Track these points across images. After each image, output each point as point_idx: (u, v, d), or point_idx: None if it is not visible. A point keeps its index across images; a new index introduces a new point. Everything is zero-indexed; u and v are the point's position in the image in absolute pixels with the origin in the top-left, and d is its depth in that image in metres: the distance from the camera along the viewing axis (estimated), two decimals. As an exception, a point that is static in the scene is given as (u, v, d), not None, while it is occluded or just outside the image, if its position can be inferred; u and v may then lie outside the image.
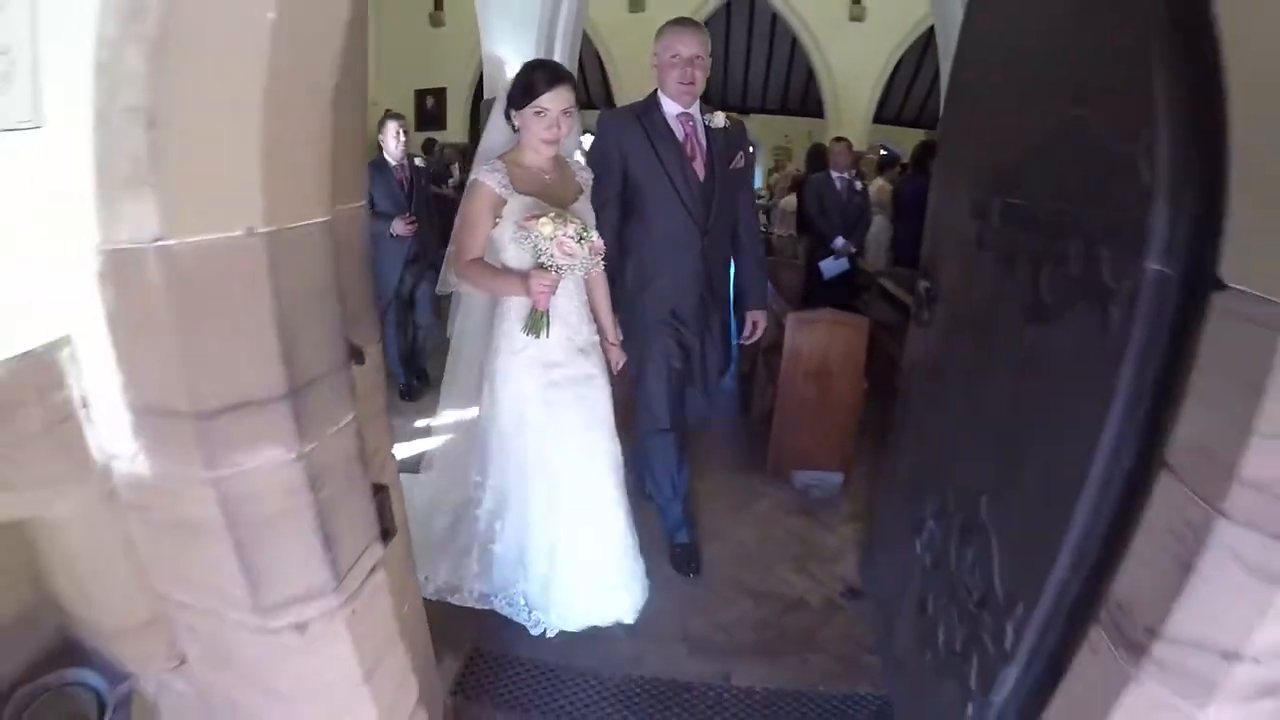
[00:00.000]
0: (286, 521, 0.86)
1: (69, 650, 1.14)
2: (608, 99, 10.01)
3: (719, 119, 2.22)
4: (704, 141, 2.19)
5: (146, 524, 0.92)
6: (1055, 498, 1.16)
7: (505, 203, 1.79)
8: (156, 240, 0.71)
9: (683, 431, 2.43)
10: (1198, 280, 0.92)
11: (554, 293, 1.79)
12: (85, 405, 0.88)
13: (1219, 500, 0.86)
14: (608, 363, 2.10)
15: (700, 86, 2.14)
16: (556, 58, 4.45)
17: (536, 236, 1.65)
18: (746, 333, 2.47)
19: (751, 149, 2.53)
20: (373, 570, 1.00)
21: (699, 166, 2.18)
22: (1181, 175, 0.94)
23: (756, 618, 2.23)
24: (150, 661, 1.09)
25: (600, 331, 2.09)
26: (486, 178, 1.79)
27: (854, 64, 10.22)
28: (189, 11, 0.65)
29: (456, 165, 6.79)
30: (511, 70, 4.56)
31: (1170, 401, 0.96)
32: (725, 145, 2.22)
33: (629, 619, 2.12)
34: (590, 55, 9.63)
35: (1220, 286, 0.89)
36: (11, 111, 0.78)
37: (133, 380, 0.79)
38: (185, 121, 0.69)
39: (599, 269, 1.87)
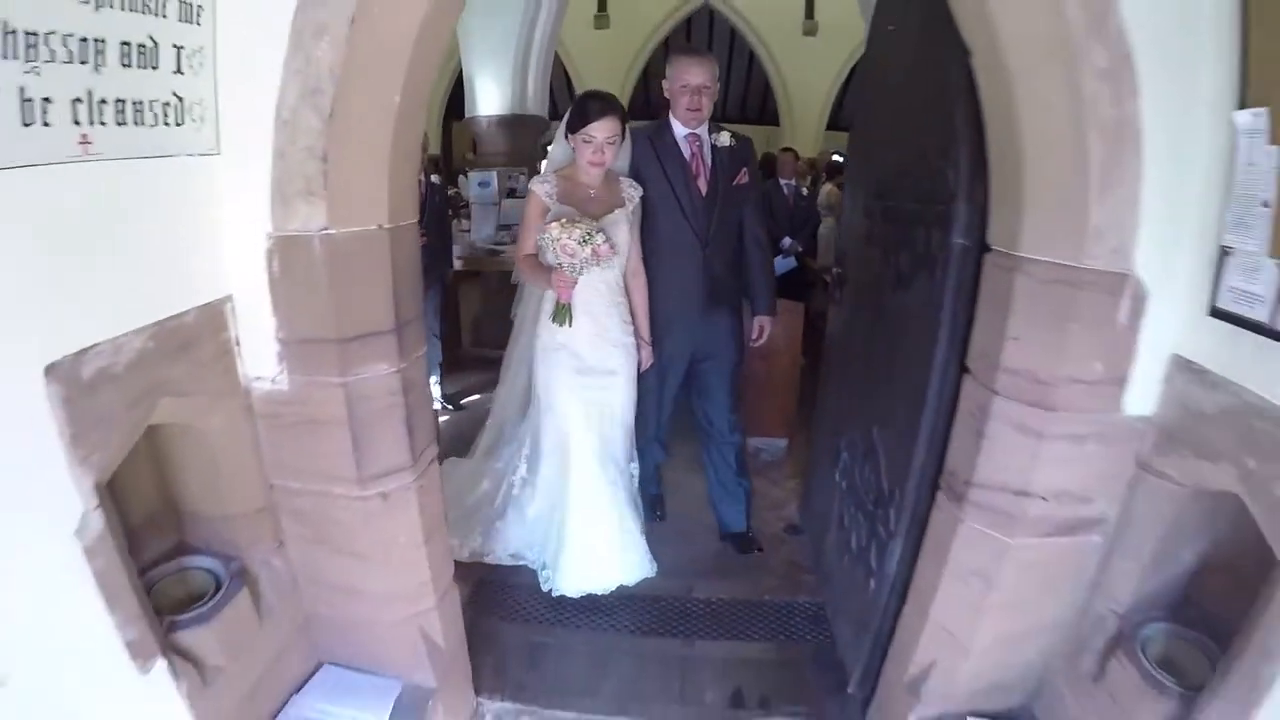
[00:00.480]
0: (386, 416, 1.29)
1: (187, 541, 1.53)
2: (574, 110, 10.45)
3: (724, 138, 2.36)
4: (709, 160, 2.35)
5: (275, 428, 1.33)
6: (913, 411, 1.65)
7: (548, 210, 2.09)
8: (323, 230, 1.14)
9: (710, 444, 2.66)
10: (981, 247, 1.43)
11: (573, 288, 2.02)
12: (238, 344, 1.29)
13: (992, 384, 1.35)
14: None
15: (707, 112, 2.30)
16: (531, 77, 4.87)
17: (545, 238, 1.97)
18: (754, 335, 2.60)
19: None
20: (430, 461, 1.43)
21: (703, 183, 2.34)
22: (970, 184, 1.45)
23: (716, 549, 2.69)
24: (257, 544, 1.49)
25: (637, 331, 2.30)
26: (537, 188, 2.12)
27: (807, 76, 10.87)
28: (348, 93, 1.09)
29: (421, 175, 7.09)
30: (487, 89, 4.98)
31: (970, 327, 1.46)
32: (729, 162, 2.37)
33: (630, 582, 2.36)
34: (558, 71, 10.06)
35: (989, 249, 1.39)
36: (202, 143, 1.20)
37: (288, 321, 1.22)
38: (343, 158, 1.12)
39: (612, 270, 2.11)
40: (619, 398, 2.29)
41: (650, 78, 10.71)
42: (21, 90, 0.86)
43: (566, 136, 2.14)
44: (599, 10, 9.20)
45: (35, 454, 0.93)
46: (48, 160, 0.91)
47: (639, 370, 2.33)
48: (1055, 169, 1.18)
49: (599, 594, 2.32)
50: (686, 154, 2.33)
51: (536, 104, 5.09)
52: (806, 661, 2.18)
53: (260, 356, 1.27)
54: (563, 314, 2.09)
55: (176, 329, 1.14)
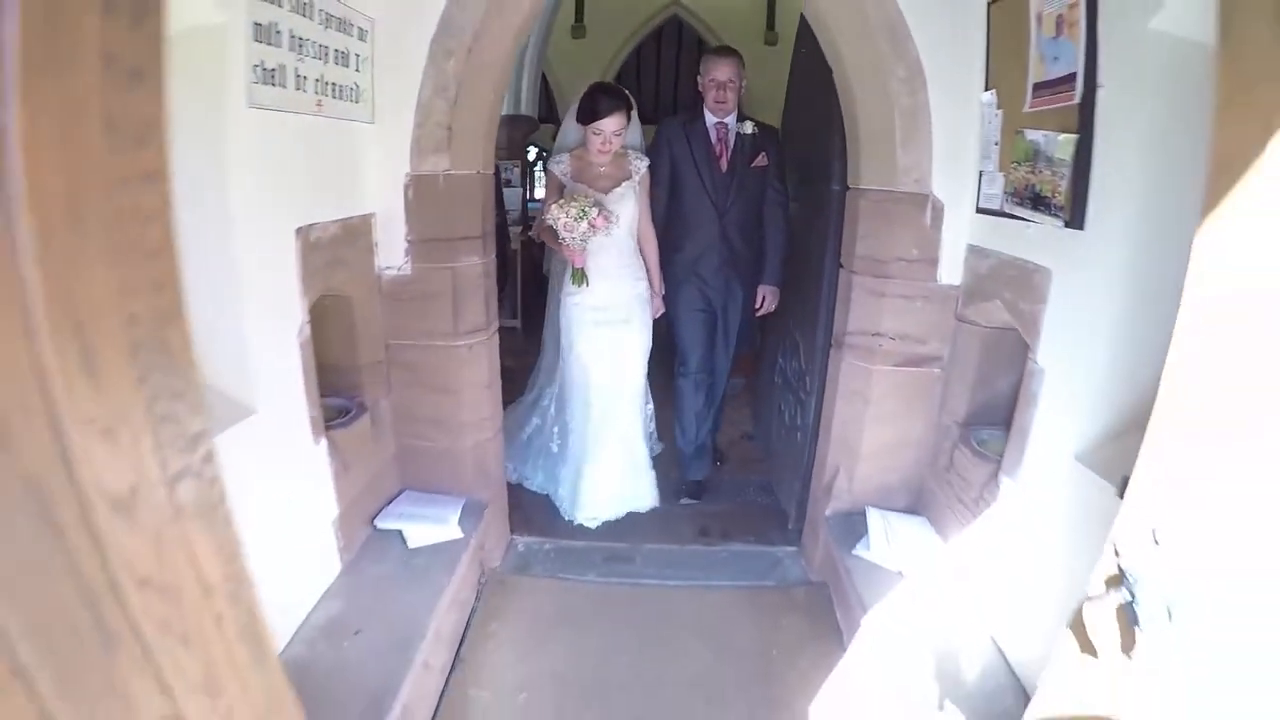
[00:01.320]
0: (474, 292, 2.03)
1: (327, 385, 2.21)
2: (550, 113, 11.23)
3: (747, 127, 2.65)
4: (732, 144, 2.67)
5: (396, 301, 2.05)
6: (815, 303, 2.43)
7: (564, 186, 2.46)
8: (445, 171, 1.88)
9: (708, 382, 2.92)
10: (844, 188, 2.22)
11: (583, 254, 2.36)
12: (376, 244, 2.01)
13: (852, 267, 2.14)
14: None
15: (732, 104, 2.61)
16: (524, 82, 5.59)
17: (548, 218, 2.35)
18: (757, 303, 2.86)
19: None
20: (495, 329, 2.17)
21: (724, 163, 2.66)
22: (840, 157, 2.24)
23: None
24: (374, 388, 2.19)
25: (651, 284, 2.67)
26: (554, 168, 2.49)
27: (769, 81, 11.81)
28: (464, 90, 1.84)
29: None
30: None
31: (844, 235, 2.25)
32: (750, 147, 2.67)
33: (641, 509, 2.75)
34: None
35: (850, 188, 2.18)
36: (364, 115, 1.92)
37: (416, 228, 1.95)
38: (462, 129, 1.87)
39: (618, 234, 2.44)
40: (633, 343, 2.62)
41: (622, 81, 11.50)
42: (296, 70, 1.58)
43: (579, 124, 2.46)
44: (576, 21, 10.02)
45: (286, 283, 1.63)
46: (302, 111, 1.63)
47: (653, 317, 2.69)
48: (877, 136, 1.99)
49: (612, 520, 2.70)
50: (713, 138, 2.65)
51: (528, 105, 5.82)
52: (757, 513, 2.93)
53: (392, 252, 1.99)
54: (579, 277, 2.45)
55: (350, 225, 1.86)
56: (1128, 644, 0.73)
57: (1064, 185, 1.58)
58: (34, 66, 0.32)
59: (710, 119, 2.65)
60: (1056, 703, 0.90)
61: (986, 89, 1.89)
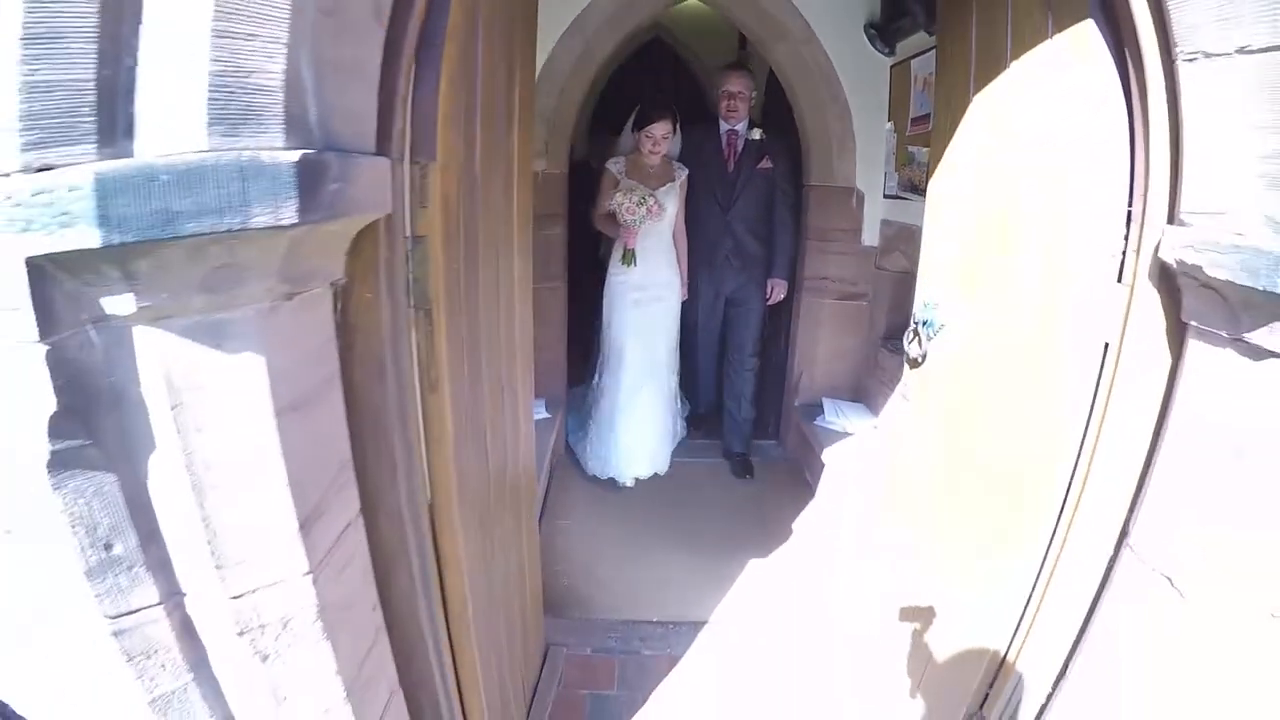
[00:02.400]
0: (555, 251, 3.18)
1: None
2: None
3: (755, 134, 3.07)
4: (740, 149, 3.08)
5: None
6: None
7: (618, 182, 2.93)
8: (543, 170, 2.99)
9: (718, 359, 3.40)
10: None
11: (636, 237, 2.87)
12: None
13: (807, 236, 3.33)
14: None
15: (741, 113, 3.02)
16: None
17: (614, 204, 2.89)
18: (767, 293, 3.26)
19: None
20: (564, 280, 3.28)
21: (730, 165, 3.07)
22: (797, 160, 3.41)
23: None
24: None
25: (680, 273, 3.14)
26: (611, 167, 2.99)
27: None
28: (558, 116, 2.93)
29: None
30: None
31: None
32: (756, 152, 3.08)
33: (661, 472, 3.22)
34: (532, 87, 11.88)
35: (803, 184, 3.36)
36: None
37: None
38: (554, 143, 2.97)
39: (660, 224, 2.91)
40: (664, 319, 3.11)
41: (606, 97, 12.66)
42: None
43: (633, 131, 2.95)
44: (568, 40, 11.23)
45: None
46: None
47: (680, 301, 3.18)
48: (820, 149, 3.17)
49: (643, 477, 3.14)
50: (723, 144, 3.07)
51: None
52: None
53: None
54: (629, 258, 2.96)
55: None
56: (919, 357, 1.86)
57: (926, 178, 2.76)
58: (446, 119, 1.36)
59: (722, 126, 3.07)
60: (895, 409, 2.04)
61: (888, 121, 3.08)
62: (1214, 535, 1.02)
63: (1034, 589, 1.37)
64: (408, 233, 1.03)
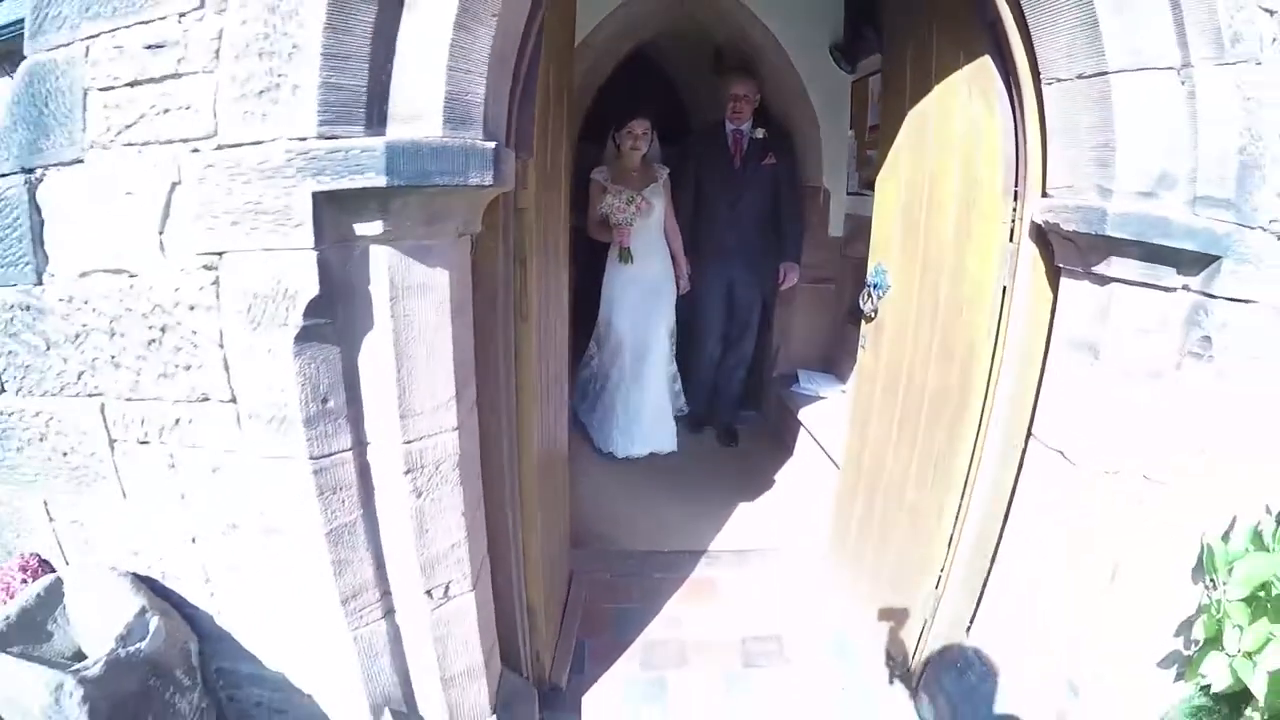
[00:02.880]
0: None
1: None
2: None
3: (758, 133, 3.33)
4: (745, 147, 3.34)
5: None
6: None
7: (605, 188, 3.17)
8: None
9: (726, 339, 3.59)
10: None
11: (629, 235, 3.09)
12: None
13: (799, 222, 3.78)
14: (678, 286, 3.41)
15: (746, 114, 3.28)
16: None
17: (604, 207, 3.15)
18: (780, 278, 3.50)
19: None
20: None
21: (737, 161, 3.33)
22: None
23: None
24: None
25: (676, 265, 3.37)
26: (596, 176, 3.20)
27: (713, 102, 13.75)
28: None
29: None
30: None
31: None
32: (760, 149, 3.34)
33: (661, 451, 3.43)
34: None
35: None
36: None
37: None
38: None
39: (650, 221, 3.15)
40: (661, 311, 3.36)
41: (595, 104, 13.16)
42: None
43: (614, 137, 3.23)
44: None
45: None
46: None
47: (678, 292, 3.43)
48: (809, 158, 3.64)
49: (638, 456, 3.38)
50: (729, 142, 3.35)
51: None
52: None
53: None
54: (625, 255, 3.22)
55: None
56: (872, 312, 2.31)
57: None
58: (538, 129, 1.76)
59: (728, 126, 3.35)
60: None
61: (850, 129, 3.58)
62: (1088, 416, 1.48)
63: (967, 480, 1.83)
64: (514, 205, 1.45)
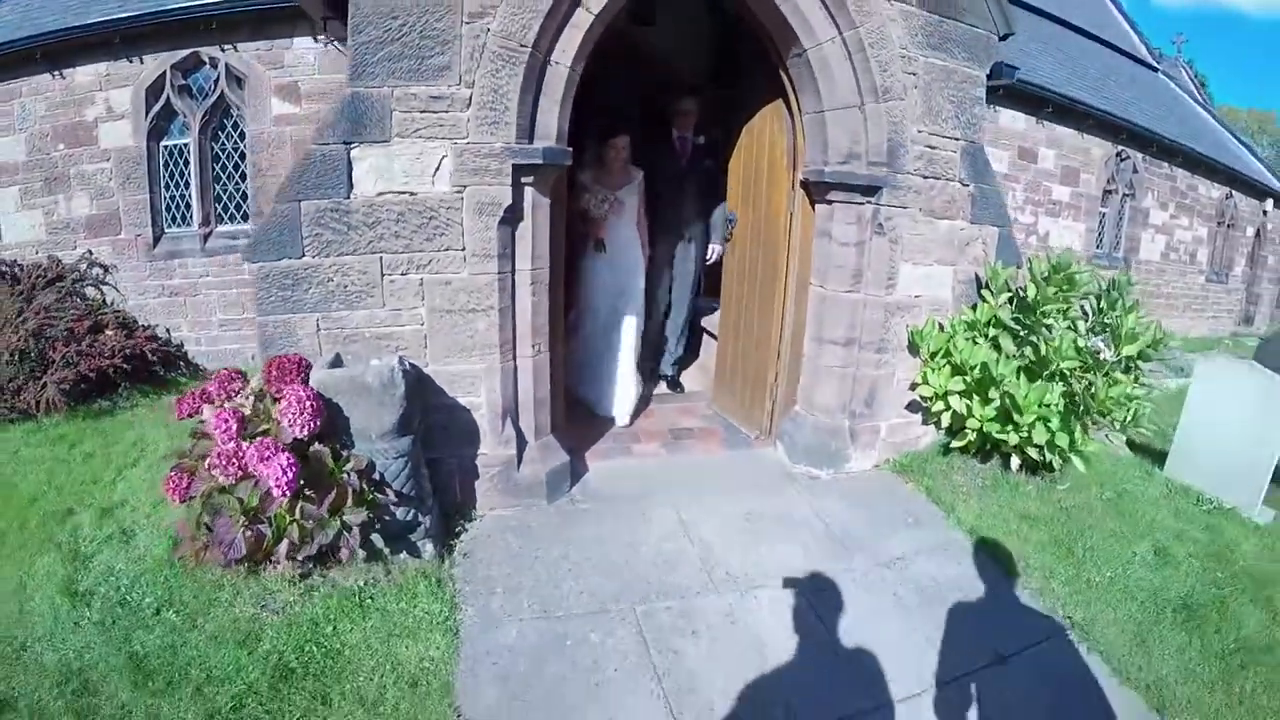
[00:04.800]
0: None
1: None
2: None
3: (700, 139, 4.26)
4: (689, 150, 4.24)
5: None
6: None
7: (587, 189, 3.81)
8: None
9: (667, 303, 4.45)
10: None
11: (602, 231, 3.82)
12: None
13: None
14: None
15: (688, 125, 4.20)
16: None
17: (582, 201, 3.76)
18: (708, 254, 4.40)
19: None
20: None
21: (683, 161, 4.22)
22: None
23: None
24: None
25: (643, 248, 4.05)
26: (582, 176, 3.79)
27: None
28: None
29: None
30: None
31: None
32: (701, 152, 4.27)
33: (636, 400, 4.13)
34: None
35: None
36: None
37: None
38: None
39: (624, 217, 3.85)
40: (632, 291, 4.05)
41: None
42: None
43: (598, 142, 3.88)
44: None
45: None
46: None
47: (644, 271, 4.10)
48: None
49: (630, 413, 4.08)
50: (678, 146, 4.28)
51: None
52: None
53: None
54: (600, 246, 3.95)
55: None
56: (730, 235, 4.15)
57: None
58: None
59: (675, 133, 4.31)
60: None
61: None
62: (830, 268, 3.41)
63: (782, 314, 3.71)
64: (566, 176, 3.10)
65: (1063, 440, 3.23)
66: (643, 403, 4.32)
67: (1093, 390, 3.19)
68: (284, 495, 2.30)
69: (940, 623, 2.56)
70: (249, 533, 2.39)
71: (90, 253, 5.30)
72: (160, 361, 5.16)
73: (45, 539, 3.02)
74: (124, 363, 4.77)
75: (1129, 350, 3.30)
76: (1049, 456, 3.32)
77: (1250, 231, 12.05)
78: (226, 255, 5.62)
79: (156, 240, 5.69)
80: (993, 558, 2.97)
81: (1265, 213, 12.03)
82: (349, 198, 2.70)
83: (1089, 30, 11.03)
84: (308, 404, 2.36)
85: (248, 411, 2.54)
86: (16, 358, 4.40)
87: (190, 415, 2.73)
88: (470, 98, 2.65)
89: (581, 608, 2.55)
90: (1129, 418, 3.31)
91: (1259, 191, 11.83)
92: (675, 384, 4.80)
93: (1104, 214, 8.86)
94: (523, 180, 2.75)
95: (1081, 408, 3.26)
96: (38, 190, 5.89)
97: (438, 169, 2.67)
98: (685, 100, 4.30)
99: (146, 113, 5.49)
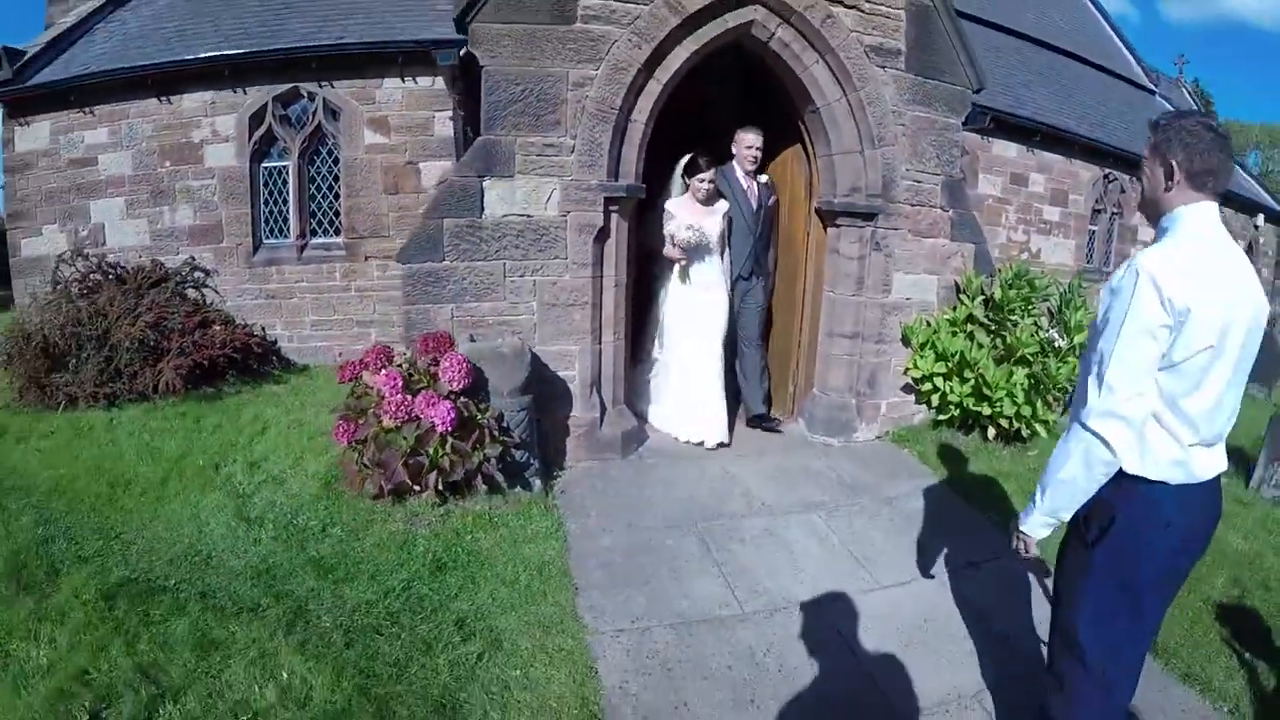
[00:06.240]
0: None
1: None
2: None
3: (764, 178, 4.51)
4: (757, 190, 4.49)
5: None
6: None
7: (674, 217, 4.27)
8: None
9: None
10: None
11: (684, 258, 4.22)
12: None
13: None
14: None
15: (756, 164, 4.41)
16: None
17: (669, 229, 4.26)
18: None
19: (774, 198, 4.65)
20: None
21: (753, 200, 4.48)
22: None
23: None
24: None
25: (726, 280, 4.46)
26: (669, 205, 4.32)
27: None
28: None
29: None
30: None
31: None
32: (767, 193, 4.54)
33: (721, 442, 4.41)
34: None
35: None
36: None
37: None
38: None
39: (708, 246, 4.25)
40: (716, 318, 4.40)
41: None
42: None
43: (684, 178, 4.33)
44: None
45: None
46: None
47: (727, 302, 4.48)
48: None
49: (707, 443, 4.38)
50: (744, 185, 4.49)
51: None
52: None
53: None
54: (684, 274, 4.39)
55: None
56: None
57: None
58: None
59: (739, 170, 4.46)
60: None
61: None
62: (839, 276, 4.47)
63: (802, 314, 4.75)
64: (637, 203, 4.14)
65: (1027, 411, 4.22)
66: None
67: (1048, 371, 4.18)
68: (446, 430, 3.29)
69: (926, 539, 3.53)
70: (410, 463, 3.37)
71: (193, 258, 6.31)
72: (258, 355, 6.16)
73: (204, 484, 3.90)
74: (232, 353, 5.78)
75: (1079, 339, 4.31)
76: (1018, 425, 4.31)
77: (1241, 245, 13.03)
78: (320, 264, 6.69)
79: (255, 249, 6.76)
80: (969, 500, 3.95)
81: (1256, 227, 13.05)
82: (481, 217, 3.73)
83: (1085, 57, 12.13)
84: (463, 366, 3.37)
85: (406, 372, 3.55)
86: (135, 345, 5.26)
87: (352, 379, 3.70)
88: (574, 146, 3.70)
89: (658, 524, 3.54)
90: (1083, 397, 4.30)
91: (1248, 207, 12.86)
92: (769, 420, 4.76)
93: (1094, 231, 9.90)
94: (610, 208, 3.80)
95: (1041, 386, 4.25)
96: (143, 201, 6.96)
97: (549, 198, 3.71)
98: (751, 130, 4.44)
99: (249, 137, 6.57)
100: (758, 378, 4.68)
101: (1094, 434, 1.59)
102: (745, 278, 4.57)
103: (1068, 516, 1.73)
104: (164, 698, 2.18)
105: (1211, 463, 1.69)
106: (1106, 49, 13.68)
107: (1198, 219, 1.64)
